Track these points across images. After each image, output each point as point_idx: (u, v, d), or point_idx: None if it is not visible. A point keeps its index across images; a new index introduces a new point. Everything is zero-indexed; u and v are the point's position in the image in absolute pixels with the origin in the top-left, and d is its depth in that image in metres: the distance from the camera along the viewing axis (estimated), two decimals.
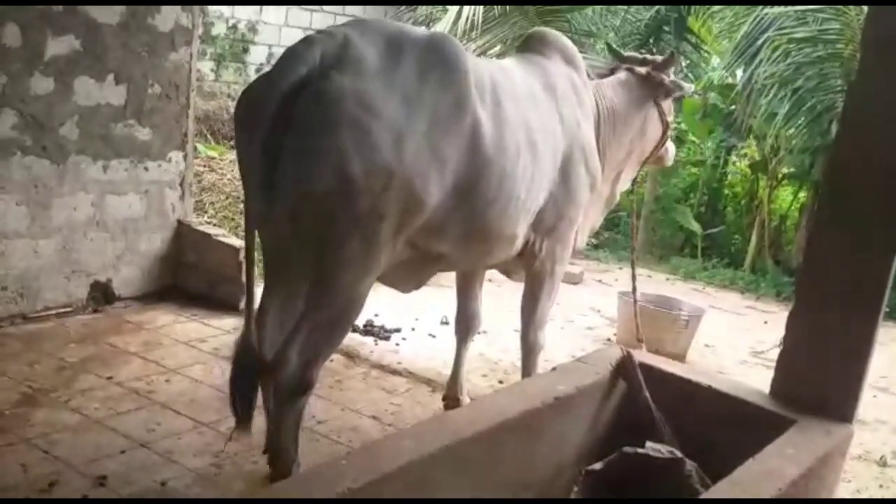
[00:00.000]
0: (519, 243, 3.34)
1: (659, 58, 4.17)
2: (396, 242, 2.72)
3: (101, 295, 4.97)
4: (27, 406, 3.57)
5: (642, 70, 3.99)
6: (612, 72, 4.08)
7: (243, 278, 2.79)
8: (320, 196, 2.50)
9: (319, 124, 2.47)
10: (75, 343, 4.35)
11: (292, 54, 2.60)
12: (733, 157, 10.52)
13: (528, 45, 3.70)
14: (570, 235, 3.60)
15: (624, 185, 4.16)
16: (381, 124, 2.49)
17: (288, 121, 2.49)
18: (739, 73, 8.55)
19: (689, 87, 4.34)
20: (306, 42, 2.62)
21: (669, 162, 4.49)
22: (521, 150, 3.03)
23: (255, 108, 2.56)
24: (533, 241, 3.41)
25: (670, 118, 4.11)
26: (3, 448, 3.18)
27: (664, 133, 4.06)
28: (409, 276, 3.12)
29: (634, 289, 4.83)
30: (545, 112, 3.30)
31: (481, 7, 7.36)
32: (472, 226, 2.95)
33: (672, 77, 4.07)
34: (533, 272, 3.59)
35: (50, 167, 4.62)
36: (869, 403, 4.04)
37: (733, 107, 9.07)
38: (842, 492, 3.02)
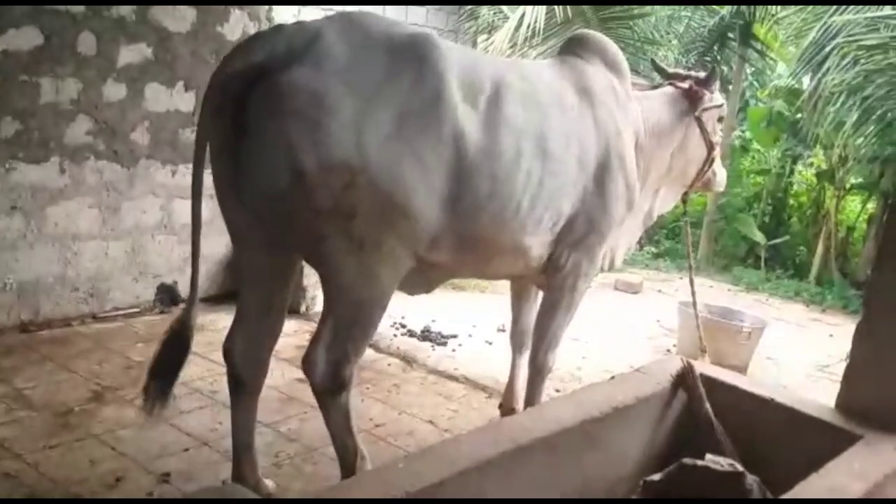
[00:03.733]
0: (536, 254, 3.20)
1: (702, 74, 4.06)
2: (394, 244, 2.64)
3: (168, 296, 5.12)
4: (96, 403, 3.69)
5: (684, 84, 3.89)
6: (655, 88, 4.00)
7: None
8: (279, 191, 2.47)
9: (270, 117, 2.43)
10: (142, 343, 4.48)
11: (251, 40, 2.56)
12: (799, 167, 10.29)
13: (569, 48, 3.57)
14: (599, 251, 3.43)
15: (665, 205, 4.03)
16: (335, 120, 2.42)
17: (245, 112, 2.45)
18: (806, 80, 8.38)
19: (723, 101, 4.20)
20: (273, 30, 2.57)
21: (719, 188, 4.30)
22: (523, 155, 2.89)
23: (207, 92, 2.53)
24: (559, 253, 3.28)
25: (716, 139, 3.95)
26: (73, 443, 3.30)
27: (709, 154, 3.90)
28: (414, 281, 3.01)
29: (695, 301, 4.77)
30: (574, 117, 3.17)
31: (543, 14, 7.35)
32: (463, 235, 2.84)
33: (715, 94, 3.97)
34: (553, 285, 3.43)
35: (121, 171, 4.77)
36: None
37: (799, 115, 8.89)
38: None
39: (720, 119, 4.02)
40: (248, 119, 2.46)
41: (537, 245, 3.17)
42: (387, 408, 3.97)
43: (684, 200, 4.21)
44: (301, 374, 4.15)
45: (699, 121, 3.83)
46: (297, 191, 2.45)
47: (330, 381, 2.70)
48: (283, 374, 4.16)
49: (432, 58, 2.63)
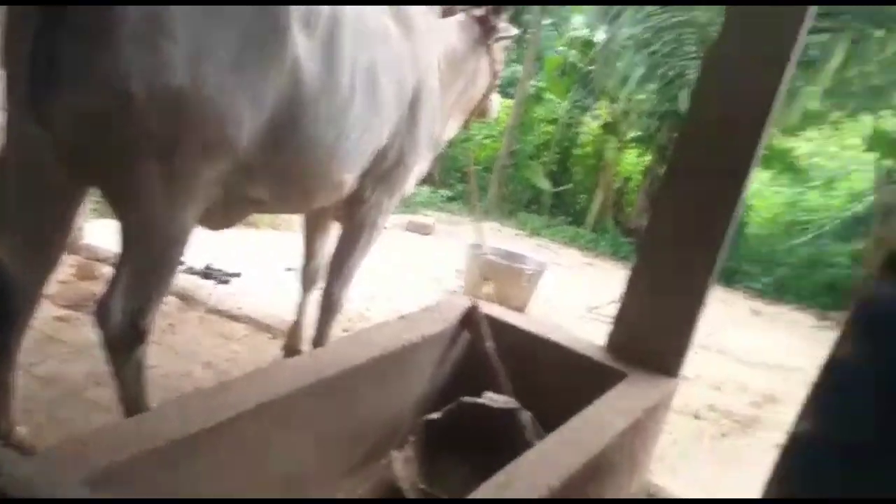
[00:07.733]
0: (347, 188, 3.13)
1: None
2: (209, 178, 2.45)
3: None
4: None
5: (479, 11, 3.86)
6: (444, 14, 3.97)
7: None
8: (98, 114, 2.20)
9: (100, 33, 2.15)
10: None
11: None
12: (587, 118, 10.79)
13: None
14: (401, 186, 3.40)
15: (451, 132, 4.03)
16: (172, 43, 2.19)
17: (65, 23, 2.14)
18: (600, 33, 8.71)
19: (515, 31, 4.28)
20: None
21: (494, 114, 4.36)
22: (356, 91, 2.80)
23: None
24: (364, 185, 3.21)
25: (500, 67, 4.01)
26: None
27: (492, 82, 3.96)
28: (218, 215, 2.81)
29: (482, 243, 4.87)
30: (396, 49, 3.09)
31: None
32: (289, 171, 2.72)
33: (505, 22, 4.01)
34: (354, 220, 3.37)
35: None
36: (690, 359, 4.26)
37: (591, 67, 9.25)
38: (661, 442, 3.16)
39: (505, 48, 4.07)
40: (67, 27, 2.11)
41: (352, 178, 3.08)
42: (161, 348, 3.71)
43: (466, 126, 4.23)
44: (61, 312, 3.85)
45: (490, 49, 3.84)
46: (120, 115, 2.17)
47: (127, 332, 2.43)
48: (42, 311, 3.78)
49: None
